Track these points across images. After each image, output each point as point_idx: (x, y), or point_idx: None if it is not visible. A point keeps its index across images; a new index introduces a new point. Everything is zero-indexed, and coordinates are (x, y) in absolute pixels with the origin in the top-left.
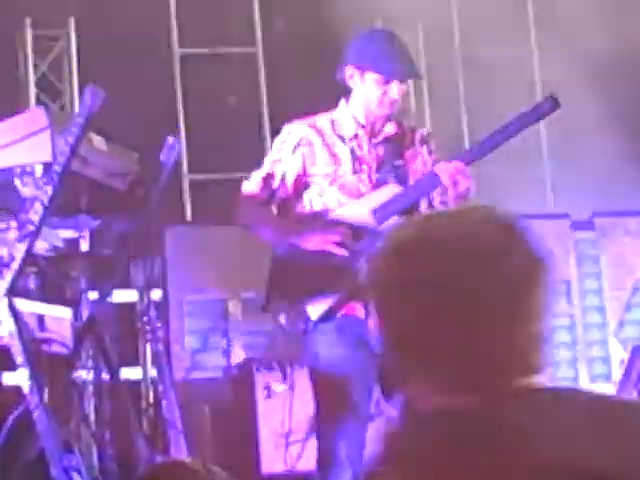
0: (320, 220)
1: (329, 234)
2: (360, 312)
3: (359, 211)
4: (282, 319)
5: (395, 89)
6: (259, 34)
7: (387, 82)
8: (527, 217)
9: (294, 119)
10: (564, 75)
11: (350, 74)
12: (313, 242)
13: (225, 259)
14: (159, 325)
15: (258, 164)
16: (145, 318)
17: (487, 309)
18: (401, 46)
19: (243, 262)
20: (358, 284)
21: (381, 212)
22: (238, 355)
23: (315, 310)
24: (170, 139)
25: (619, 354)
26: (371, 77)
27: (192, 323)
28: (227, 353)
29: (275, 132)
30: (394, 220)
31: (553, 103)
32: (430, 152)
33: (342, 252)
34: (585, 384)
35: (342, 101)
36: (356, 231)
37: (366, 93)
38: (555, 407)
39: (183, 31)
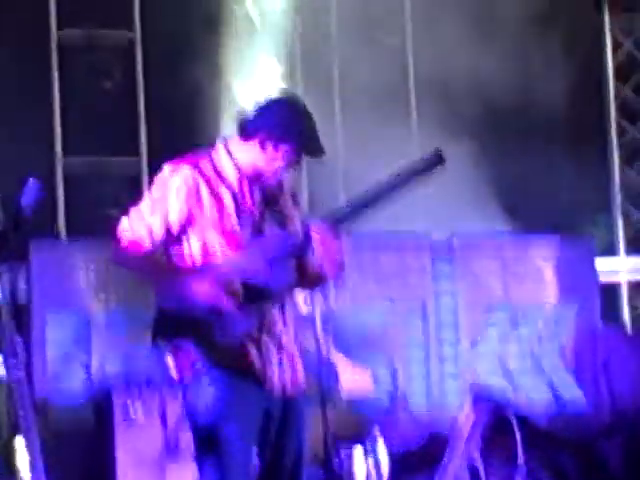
0: (210, 269)
1: (221, 286)
2: (257, 361)
3: (251, 261)
4: (169, 360)
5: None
6: None
7: (298, 157)
8: (389, 235)
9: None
10: None
11: (261, 140)
12: (205, 294)
13: None
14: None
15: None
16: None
17: None
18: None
19: None
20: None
21: (275, 263)
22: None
23: (205, 358)
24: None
25: (470, 371)
26: (284, 149)
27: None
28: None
29: None
30: (288, 273)
31: (438, 158)
32: (295, 202)
33: (232, 306)
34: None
35: (220, 146)
36: (248, 282)
37: (265, 158)
38: None
39: None
